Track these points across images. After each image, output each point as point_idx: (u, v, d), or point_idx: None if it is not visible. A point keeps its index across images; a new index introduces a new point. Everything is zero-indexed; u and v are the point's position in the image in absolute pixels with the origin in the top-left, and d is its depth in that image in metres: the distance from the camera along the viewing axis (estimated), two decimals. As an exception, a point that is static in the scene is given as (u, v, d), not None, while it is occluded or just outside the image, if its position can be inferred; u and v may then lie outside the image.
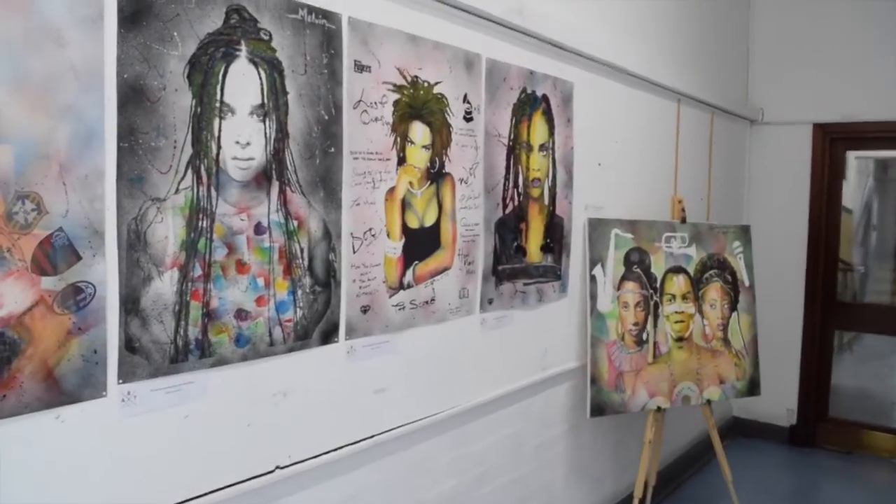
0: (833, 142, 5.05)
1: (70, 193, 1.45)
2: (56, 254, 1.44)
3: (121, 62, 1.51)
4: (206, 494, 1.74)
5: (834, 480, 4.70)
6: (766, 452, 5.02)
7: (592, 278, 3.23)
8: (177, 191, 1.62)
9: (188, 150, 1.64)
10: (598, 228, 3.26)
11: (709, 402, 3.57)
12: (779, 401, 5.00)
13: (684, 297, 3.53)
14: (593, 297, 3.22)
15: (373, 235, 2.13)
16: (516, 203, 2.75)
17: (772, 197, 5.17)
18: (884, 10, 4.74)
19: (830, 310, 5.16)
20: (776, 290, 4.91)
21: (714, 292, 3.65)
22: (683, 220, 3.62)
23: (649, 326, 3.39)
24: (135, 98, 1.54)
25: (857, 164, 5.55)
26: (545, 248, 2.94)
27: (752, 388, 3.72)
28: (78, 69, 1.45)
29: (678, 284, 3.52)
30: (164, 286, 1.61)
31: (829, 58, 4.91)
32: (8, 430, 1.39)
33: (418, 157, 2.27)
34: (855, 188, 5.53)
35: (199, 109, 1.65)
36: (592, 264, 3.23)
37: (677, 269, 3.52)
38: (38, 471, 1.45)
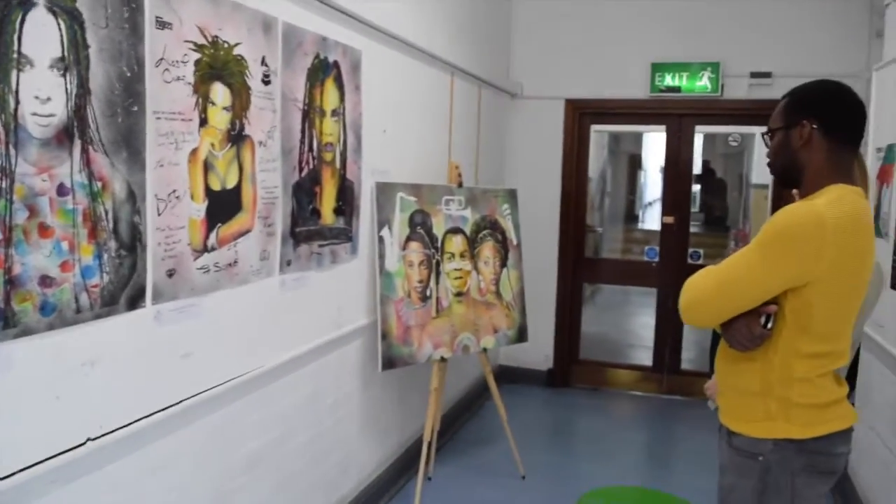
0: (581, 116, 5.63)
1: None
2: None
3: None
4: (14, 474, 1.63)
5: (587, 413, 5.34)
6: (529, 394, 5.55)
7: (380, 239, 3.37)
8: (-28, 148, 1.50)
9: (-18, 105, 1.51)
10: (384, 192, 3.40)
11: (485, 349, 3.89)
12: (538, 348, 5.52)
13: (462, 256, 3.80)
14: (381, 257, 3.37)
15: (177, 197, 2.09)
16: (311, 167, 2.80)
17: (530, 164, 5.64)
18: (626, 4, 5.35)
19: (579, 265, 5.79)
20: (534, 249, 5.38)
21: (487, 250, 3.96)
22: (460, 185, 3.88)
23: (432, 283, 3.62)
24: (-80, 45, 1.40)
25: (596, 137, 6.19)
26: (337, 211, 3.02)
27: (521, 335, 4.11)
28: None
29: (456, 244, 3.78)
30: (-40, 252, 1.49)
31: (581, 40, 5.46)
32: None
33: (219, 118, 2.25)
34: (594, 159, 6.19)
35: (-7, 61, 1.53)
36: (380, 226, 3.37)
37: (455, 230, 3.78)
38: None
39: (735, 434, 1.91)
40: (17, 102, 1.58)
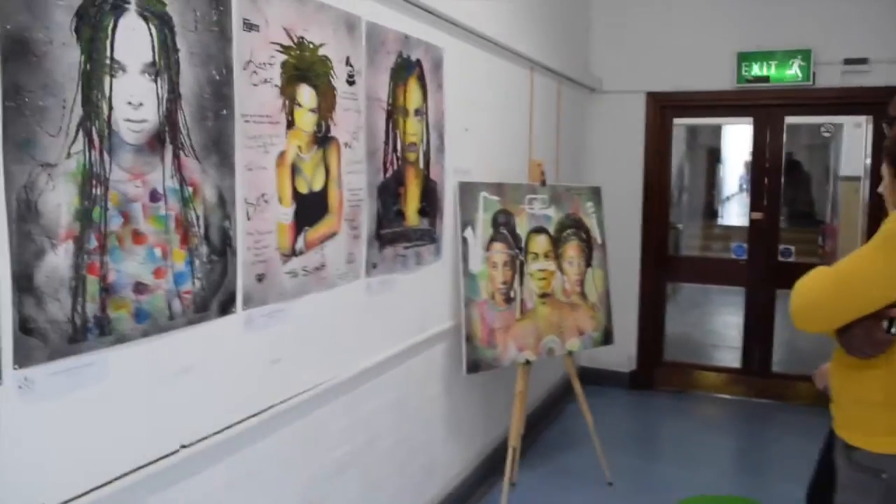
0: (663, 109, 5.44)
1: (-51, 159, 1.30)
2: (-63, 227, 1.28)
3: (2, 11, 1.36)
4: (111, 482, 1.63)
5: (673, 416, 5.16)
6: (612, 396, 5.39)
7: (464, 240, 3.30)
8: (68, 155, 1.49)
9: (78, 111, 1.50)
10: (467, 192, 3.33)
11: (570, 352, 3.78)
12: (620, 349, 5.36)
13: (546, 256, 3.70)
14: (465, 258, 3.30)
15: (265, 201, 2.06)
16: (395, 167, 2.75)
17: (611, 160, 5.49)
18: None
19: (662, 264, 5.60)
20: (615, 246, 5.22)
21: (572, 250, 3.85)
22: (543, 183, 3.78)
23: (516, 284, 3.53)
24: (19, 52, 1.38)
25: (673, 131, 6.00)
26: (421, 212, 2.97)
27: (607, 337, 3.98)
28: (-49, 19, 1.29)
29: (540, 244, 3.68)
30: (58, 260, 1.48)
31: (662, 31, 5.28)
32: None
33: (306, 120, 2.21)
34: (671, 152, 6.00)
35: (88, 66, 1.51)
36: (463, 227, 3.30)
37: (539, 230, 3.68)
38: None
39: (854, 448, 1.77)
40: (111, 108, 1.57)
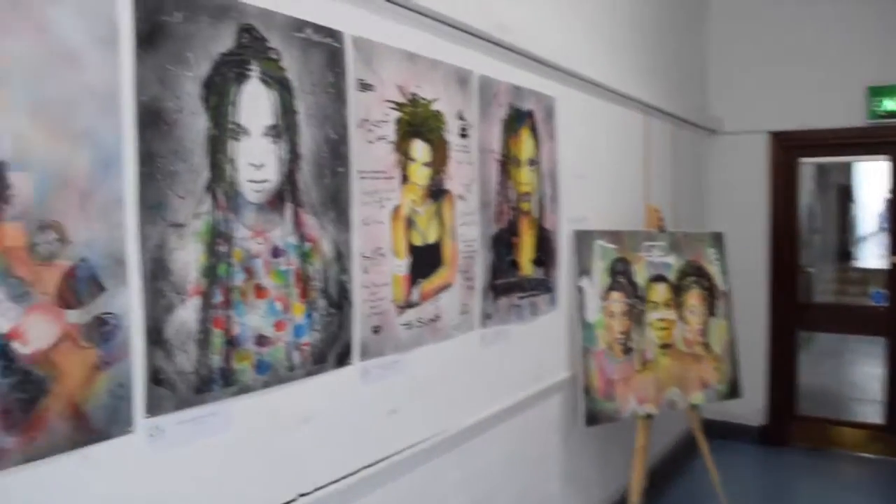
0: (788, 149, 5.21)
1: (92, 222, 1.39)
2: (80, 285, 1.37)
3: (139, 84, 1.46)
4: (233, 528, 1.68)
5: (809, 476, 4.81)
6: (741, 452, 5.10)
7: (580, 289, 3.25)
8: (196, 216, 1.58)
9: (205, 174, 1.59)
10: (583, 240, 3.29)
11: (693, 406, 3.62)
12: (748, 402, 5.08)
13: (666, 305, 3.58)
14: (581, 307, 3.24)
15: (381, 255, 2.11)
16: (509, 218, 2.75)
17: (732, 204, 5.29)
18: (834, 24, 4.94)
19: (792, 311, 5.30)
20: (740, 293, 4.99)
21: (693, 299, 3.71)
22: (662, 229, 3.68)
23: (635, 334, 3.43)
24: (153, 121, 1.49)
25: (800, 170, 5.73)
26: (536, 262, 2.95)
27: (733, 390, 3.79)
28: (95, 92, 1.40)
29: (660, 292, 3.57)
30: (186, 314, 1.56)
31: (784, 68, 5.08)
32: (37, 473, 1.31)
33: (420, 174, 2.26)
34: (799, 193, 5.73)
35: (215, 132, 1.61)
36: (579, 275, 3.25)
37: (659, 278, 3.57)
38: (66, 514, 1.38)
39: None
40: (235, 170, 1.66)
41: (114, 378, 1.43)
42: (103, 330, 1.42)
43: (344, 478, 2.00)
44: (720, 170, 5.34)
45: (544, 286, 3.03)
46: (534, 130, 2.92)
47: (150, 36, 1.48)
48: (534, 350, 3.00)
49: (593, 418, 3.21)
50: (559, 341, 3.23)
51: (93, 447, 1.41)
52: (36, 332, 1.31)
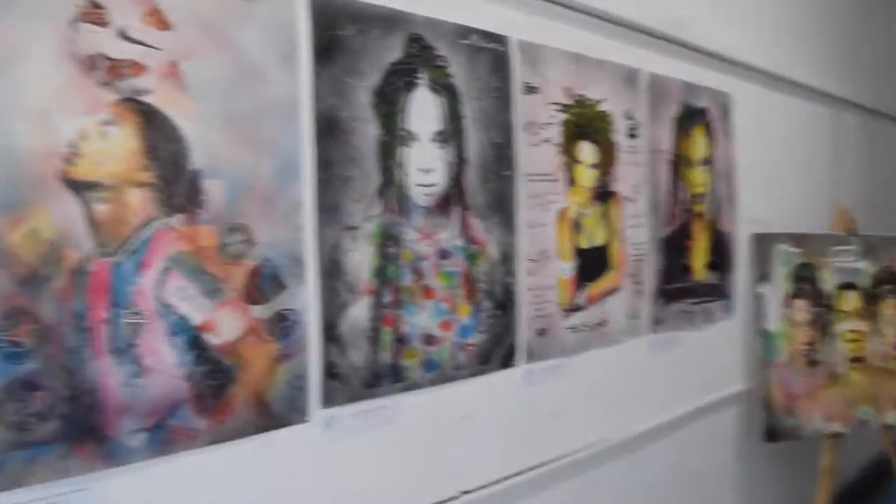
0: None
1: (274, 224, 1.50)
2: (264, 283, 1.48)
3: (316, 96, 1.56)
4: (399, 520, 1.74)
5: None
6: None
7: (759, 296, 3.08)
8: (368, 219, 1.65)
9: (377, 179, 1.67)
10: (762, 243, 3.11)
11: (889, 426, 3.31)
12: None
13: (858, 314, 3.30)
14: (761, 315, 3.07)
15: (546, 257, 2.11)
16: (681, 220, 2.66)
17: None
18: None
19: None
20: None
21: (889, 308, 3.39)
22: (853, 233, 3.41)
23: (821, 346, 3.19)
24: (329, 130, 1.58)
25: None
26: (710, 266, 2.82)
27: (937, 411, 3.43)
28: (278, 104, 1.50)
29: (851, 301, 3.30)
30: (359, 312, 1.64)
31: None
32: (224, 454, 1.43)
33: (586, 176, 2.24)
34: None
35: (386, 138, 1.68)
36: (759, 281, 3.08)
37: (849, 285, 3.30)
38: (249, 493, 1.49)
39: None
40: (405, 175, 1.72)
41: (292, 370, 1.53)
42: (283, 325, 1.52)
43: (506, 478, 2.02)
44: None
45: (719, 292, 2.90)
46: (708, 128, 2.80)
47: (326, 50, 1.57)
48: (707, 359, 2.88)
49: (773, 434, 3.03)
50: (735, 351, 3.07)
51: (273, 433, 1.51)
52: (226, 325, 1.43)
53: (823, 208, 3.76)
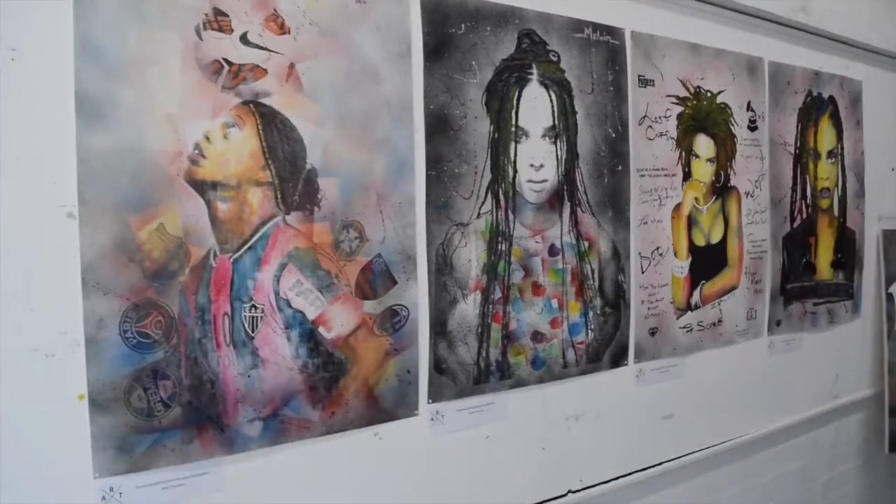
0: None
1: (386, 221, 1.52)
2: (375, 279, 1.51)
3: (427, 94, 1.57)
4: (504, 515, 1.75)
5: None
6: None
7: (889, 297, 2.89)
8: (478, 215, 1.66)
9: (487, 175, 1.67)
10: (893, 241, 2.92)
11: None
12: None
13: None
14: (890, 317, 2.88)
15: (660, 254, 2.05)
16: (804, 216, 2.53)
17: None
18: None
19: None
20: None
21: None
22: None
23: (959, 351, 2.97)
24: (440, 127, 1.59)
25: None
26: (835, 265, 2.67)
27: None
28: (391, 103, 1.52)
29: None
30: (467, 309, 1.65)
31: None
32: (335, 445, 1.47)
33: (703, 171, 2.16)
34: None
35: (496, 135, 1.68)
36: (889, 282, 2.89)
37: None
38: (358, 484, 1.52)
39: None
40: (515, 171, 1.71)
41: (402, 364, 1.56)
42: (394, 320, 1.54)
43: (615, 479, 1.98)
44: None
45: (844, 291, 2.74)
46: (835, 119, 2.64)
47: (438, 48, 1.58)
48: (830, 362, 2.73)
49: (902, 443, 2.85)
50: (861, 354, 2.90)
51: (383, 426, 1.54)
52: (338, 320, 1.46)
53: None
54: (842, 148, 2.68)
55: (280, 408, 1.39)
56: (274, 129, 1.36)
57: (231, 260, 1.32)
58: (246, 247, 1.34)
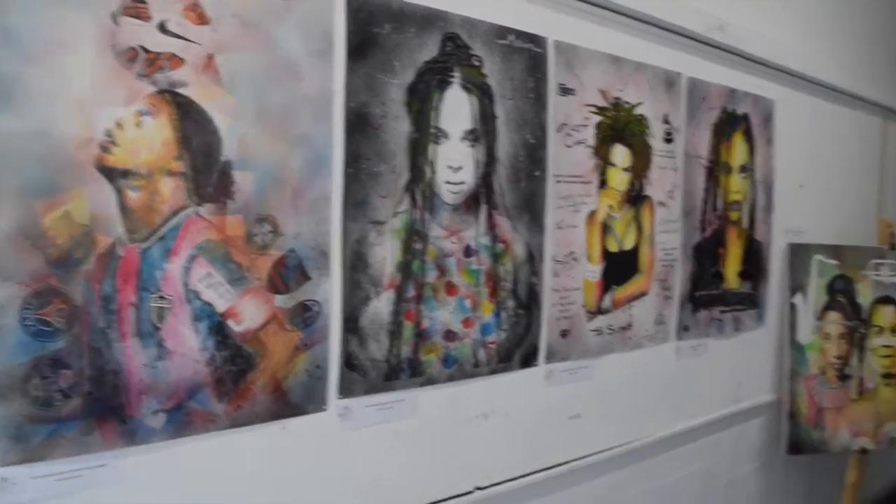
0: None
1: (301, 216, 1.53)
2: (288, 273, 1.52)
3: (348, 92, 1.58)
4: (410, 511, 1.77)
5: None
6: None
7: (792, 307, 3.04)
8: (395, 214, 1.68)
9: (405, 175, 1.69)
10: (798, 254, 3.06)
11: (921, 446, 3.25)
12: None
13: (893, 331, 3.24)
14: (792, 327, 3.03)
15: (574, 259, 2.11)
16: (715, 227, 2.63)
17: None
18: None
19: None
20: None
21: (928, 326, 3.32)
22: (894, 246, 3.34)
23: (854, 360, 3.14)
24: (359, 126, 1.60)
25: None
26: (743, 275, 2.79)
27: (973, 433, 3.35)
28: (311, 99, 1.53)
29: (887, 316, 3.23)
30: (380, 306, 1.67)
31: None
32: (241, 439, 1.47)
33: (619, 179, 2.23)
34: None
35: (416, 135, 1.70)
36: (792, 292, 3.04)
37: (886, 300, 3.24)
38: (263, 477, 1.52)
39: None
40: (434, 172, 1.74)
41: (312, 360, 1.56)
42: (306, 315, 1.55)
43: (522, 476, 2.03)
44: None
45: (751, 301, 2.86)
46: (748, 135, 2.76)
47: (361, 47, 1.59)
48: (734, 368, 2.85)
49: (797, 447, 3.00)
50: (764, 361, 3.03)
51: (290, 420, 1.54)
52: (249, 313, 1.46)
53: (866, 222, 3.68)
54: (753, 163, 2.80)
55: (185, 400, 1.38)
56: (189, 120, 1.35)
57: (140, 250, 1.31)
58: (155, 237, 1.33)
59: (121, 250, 1.28)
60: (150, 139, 1.31)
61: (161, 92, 1.32)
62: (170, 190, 1.34)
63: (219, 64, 1.38)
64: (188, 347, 1.37)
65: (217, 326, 1.41)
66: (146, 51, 1.30)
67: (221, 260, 1.41)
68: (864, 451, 3.12)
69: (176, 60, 1.33)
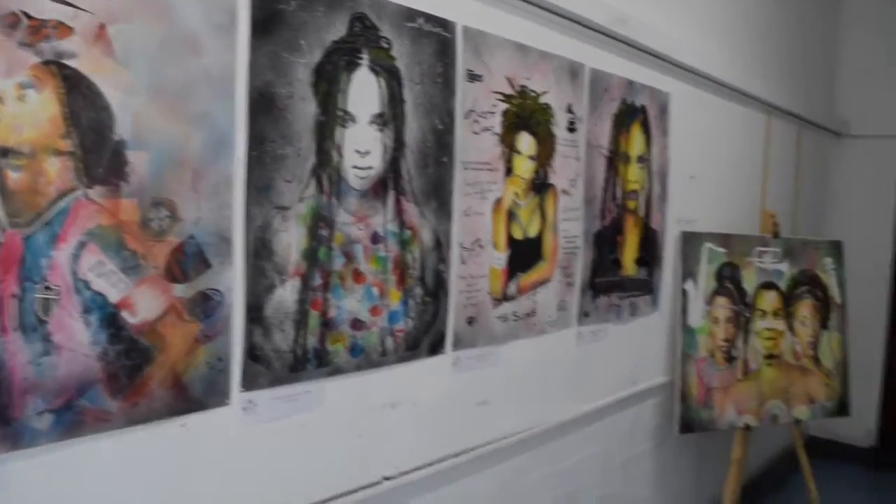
0: (925, 155, 4.87)
1: (202, 201, 1.44)
2: (187, 261, 1.43)
3: (252, 70, 1.51)
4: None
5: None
6: (846, 474, 4.84)
7: (683, 292, 3.15)
8: (300, 199, 1.61)
9: (311, 159, 1.63)
10: (690, 242, 3.18)
11: (798, 421, 3.46)
12: (858, 421, 4.80)
13: (775, 314, 3.42)
14: (684, 311, 3.14)
15: (480, 246, 2.10)
16: (613, 215, 2.69)
17: (857, 213, 4.99)
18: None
19: (918, 329, 4.97)
20: (858, 306, 4.72)
21: (805, 309, 3.53)
22: (776, 235, 3.52)
23: (739, 342, 3.30)
24: (264, 106, 1.53)
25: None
26: (639, 262, 2.87)
27: (842, 408, 3.60)
28: (211, 76, 1.44)
29: (769, 300, 3.41)
30: (286, 294, 1.60)
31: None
32: (137, 438, 1.38)
33: (524, 167, 2.23)
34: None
35: (322, 118, 1.64)
36: (684, 278, 3.15)
37: (769, 285, 3.42)
38: (163, 477, 1.44)
39: None
40: (341, 157, 1.68)
41: (213, 352, 1.49)
42: (206, 305, 1.47)
43: (430, 464, 2.02)
44: (846, 175, 5.05)
45: (646, 287, 2.95)
46: (646, 126, 2.83)
47: (266, 23, 1.52)
48: (631, 352, 2.93)
49: (688, 426, 3.12)
50: (658, 344, 3.14)
51: (190, 416, 1.46)
52: (144, 304, 1.37)
53: (751, 211, 3.87)
54: (650, 154, 2.87)
55: (75, 398, 1.28)
56: (78, 94, 1.24)
57: (22, 236, 1.20)
58: (40, 222, 1.22)
59: (1, 236, 1.17)
60: (33, 114, 1.20)
61: (46, 63, 1.21)
62: (56, 171, 1.23)
63: (111, 35, 1.28)
64: (78, 341, 1.27)
65: (110, 318, 1.31)
66: (29, 17, 1.18)
67: (114, 247, 1.32)
68: (748, 428, 3.29)
69: (63, 29, 1.23)
